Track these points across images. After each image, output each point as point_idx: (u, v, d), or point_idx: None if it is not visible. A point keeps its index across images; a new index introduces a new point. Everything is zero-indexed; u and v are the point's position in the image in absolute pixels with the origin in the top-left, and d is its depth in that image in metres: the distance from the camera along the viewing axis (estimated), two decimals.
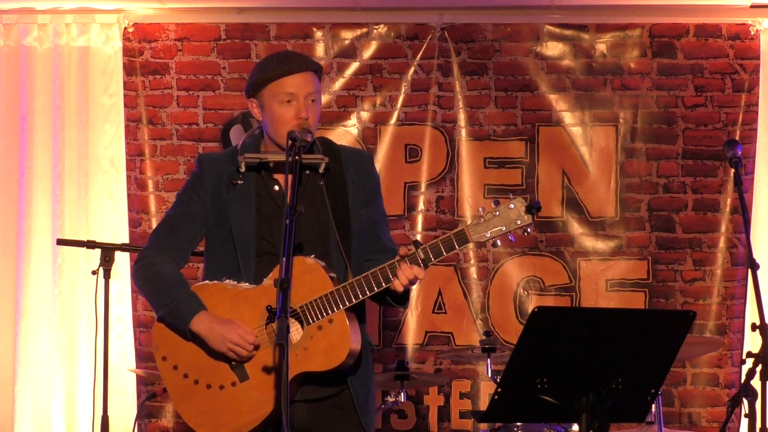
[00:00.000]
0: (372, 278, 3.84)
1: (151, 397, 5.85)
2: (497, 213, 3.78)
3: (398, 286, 3.83)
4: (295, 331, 3.89)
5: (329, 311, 3.87)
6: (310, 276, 3.90)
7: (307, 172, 4.04)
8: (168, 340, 4.05)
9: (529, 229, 3.81)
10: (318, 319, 3.88)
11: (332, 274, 3.93)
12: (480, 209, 3.81)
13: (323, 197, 4.03)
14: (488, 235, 3.78)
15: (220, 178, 4.09)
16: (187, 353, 4.02)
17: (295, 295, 3.85)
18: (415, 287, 4.18)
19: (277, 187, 4.06)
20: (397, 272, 3.81)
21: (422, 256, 3.80)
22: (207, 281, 4.06)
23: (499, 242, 3.82)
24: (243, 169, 4.04)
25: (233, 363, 3.96)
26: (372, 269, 3.86)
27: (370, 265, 3.91)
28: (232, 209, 4.05)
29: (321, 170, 4.02)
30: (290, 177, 3.77)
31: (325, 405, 4.01)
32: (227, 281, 4.01)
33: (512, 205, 3.76)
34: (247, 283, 3.99)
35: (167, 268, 4.07)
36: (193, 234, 4.12)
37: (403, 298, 3.95)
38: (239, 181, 4.05)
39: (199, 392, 4.00)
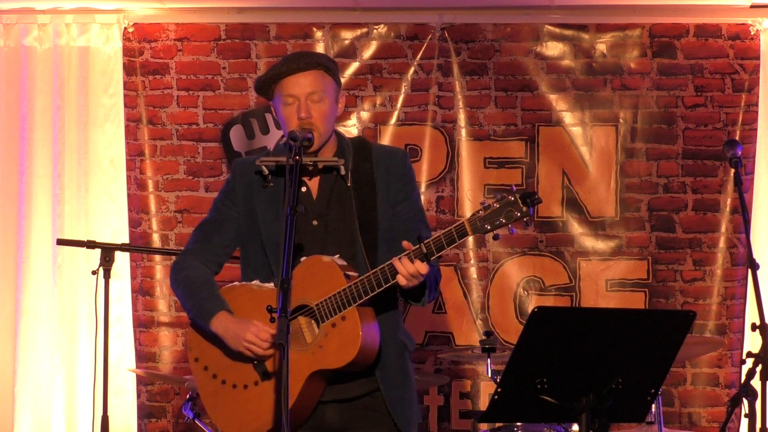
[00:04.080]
0: (381, 274, 3.85)
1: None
2: (497, 206, 3.77)
3: (402, 281, 3.82)
4: (313, 329, 3.93)
5: (342, 308, 3.89)
6: (325, 274, 3.92)
7: (335, 173, 4.05)
8: (200, 343, 4.11)
9: (528, 222, 3.81)
10: (331, 316, 3.90)
11: (349, 272, 3.94)
12: (481, 203, 3.81)
13: (350, 198, 4.04)
14: (488, 228, 3.78)
15: (251, 182, 4.12)
16: (215, 354, 4.07)
17: (312, 294, 3.90)
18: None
19: (304, 189, 4.07)
20: (398, 268, 3.82)
21: (424, 250, 3.80)
22: (236, 283, 4.12)
23: (499, 235, 3.82)
24: (266, 172, 4.05)
25: (255, 362, 4.00)
26: (381, 266, 3.87)
27: None
28: (261, 212, 4.08)
29: (342, 173, 4.03)
30: (307, 177, 3.79)
31: (356, 406, 4.02)
32: (254, 282, 4.06)
33: (512, 198, 3.76)
34: (271, 284, 4.03)
35: (196, 271, 4.13)
36: (227, 239, 4.17)
37: (417, 294, 3.94)
38: (270, 184, 4.06)
39: (226, 392, 4.04)
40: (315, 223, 4.04)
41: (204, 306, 4.05)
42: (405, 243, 3.82)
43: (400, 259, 3.81)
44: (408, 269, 3.80)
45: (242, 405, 4.00)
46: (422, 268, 3.81)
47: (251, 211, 4.10)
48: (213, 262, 4.18)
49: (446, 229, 3.81)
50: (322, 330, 3.92)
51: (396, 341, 4.05)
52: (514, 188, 3.79)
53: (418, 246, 3.80)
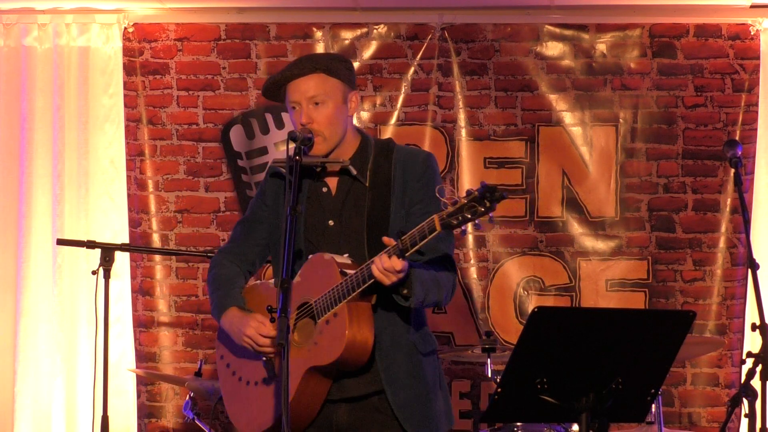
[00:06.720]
0: (365, 270, 3.85)
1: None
2: (464, 201, 3.75)
3: (376, 274, 3.81)
4: (312, 325, 3.95)
5: (334, 305, 3.91)
6: (325, 271, 3.95)
7: (354, 173, 4.05)
8: (225, 340, 4.19)
9: (492, 218, 3.75)
10: (325, 313, 3.93)
11: (347, 270, 3.94)
12: (450, 198, 3.79)
13: (365, 198, 4.05)
14: (454, 223, 3.73)
15: (281, 183, 4.13)
16: (235, 351, 4.14)
17: (312, 291, 3.94)
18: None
19: (325, 189, 4.10)
20: (375, 262, 3.81)
21: (400, 246, 3.80)
22: (257, 282, 4.22)
23: (466, 231, 3.78)
24: (284, 172, 4.03)
25: (264, 359, 4.02)
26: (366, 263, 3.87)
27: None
28: (284, 213, 4.07)
29: (352, 173, 4.03)
30: (329, 178, 3.89)
31: (364, 406, 4.01)
32: (270, 280, 4.11)
33: (476, 194, 3.74)
34: None
35: (224, 270, 4.21)
36: (258, 239, 4.22)
37: (400, 290, 3.90)
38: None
39: (240, 388, 4.11)
40: (331, 223, 4.07)
41: (220, 302, 4.13)
42: (386, 239, 3.81)
43: (380, 255, 3.82)
44: (383, 263, 3.78)
45: (251, 401, 4.06)
46: (397, 264, 3.78)
47: (278, 211, 4.12)
48: (245, 261, 4.23)
49: (419, 225, 3.78)
50: (318, 327, 3.95)
51: (405, 342, 4.02)
52: (484, 183, 3.76)
53: (396, 242, 3.79)
